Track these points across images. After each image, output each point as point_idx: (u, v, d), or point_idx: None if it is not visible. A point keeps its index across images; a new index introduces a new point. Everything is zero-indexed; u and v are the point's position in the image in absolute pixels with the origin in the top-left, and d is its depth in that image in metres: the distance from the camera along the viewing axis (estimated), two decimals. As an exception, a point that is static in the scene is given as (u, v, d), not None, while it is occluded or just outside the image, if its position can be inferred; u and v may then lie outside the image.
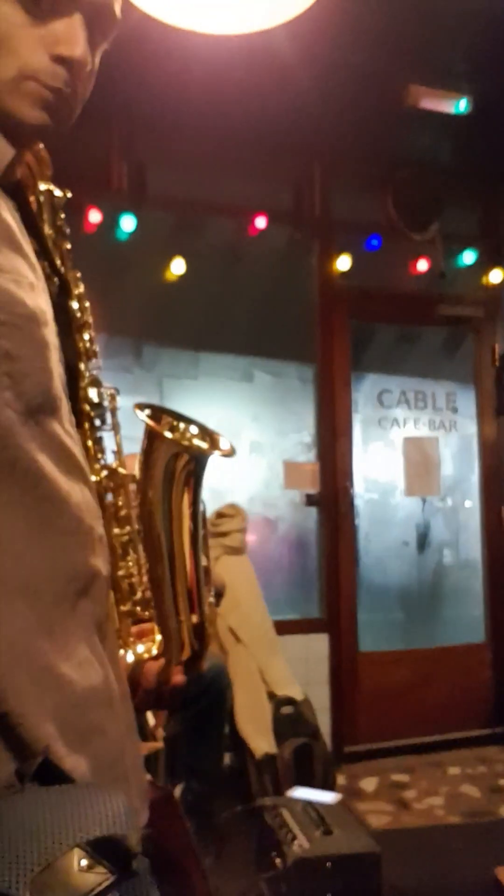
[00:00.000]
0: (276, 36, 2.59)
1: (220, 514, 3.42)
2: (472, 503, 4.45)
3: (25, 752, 0.73)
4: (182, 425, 1.05)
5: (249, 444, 4.03)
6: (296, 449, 4.12)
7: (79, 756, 0.77)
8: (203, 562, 1.03)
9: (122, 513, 1.02)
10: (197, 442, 1.04)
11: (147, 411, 1.01)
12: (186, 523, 0.99)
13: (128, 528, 1.02)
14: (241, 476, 3.92)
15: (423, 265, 4.25)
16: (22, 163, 0.86)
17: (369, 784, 3.58)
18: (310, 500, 4.04)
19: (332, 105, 3.57)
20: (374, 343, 4.42)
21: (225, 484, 3.79)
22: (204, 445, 1.03)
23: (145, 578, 1.01)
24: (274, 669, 3.30)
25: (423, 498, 4.36)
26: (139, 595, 1.02)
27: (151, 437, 0.99)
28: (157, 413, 1.03)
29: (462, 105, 3.45)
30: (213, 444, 1.04)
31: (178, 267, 3.72)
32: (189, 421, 1.05)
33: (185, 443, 1.01)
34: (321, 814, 2.20)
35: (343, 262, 4.11)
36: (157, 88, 3.23)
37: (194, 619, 1.00)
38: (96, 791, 0.71)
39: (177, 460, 0.98)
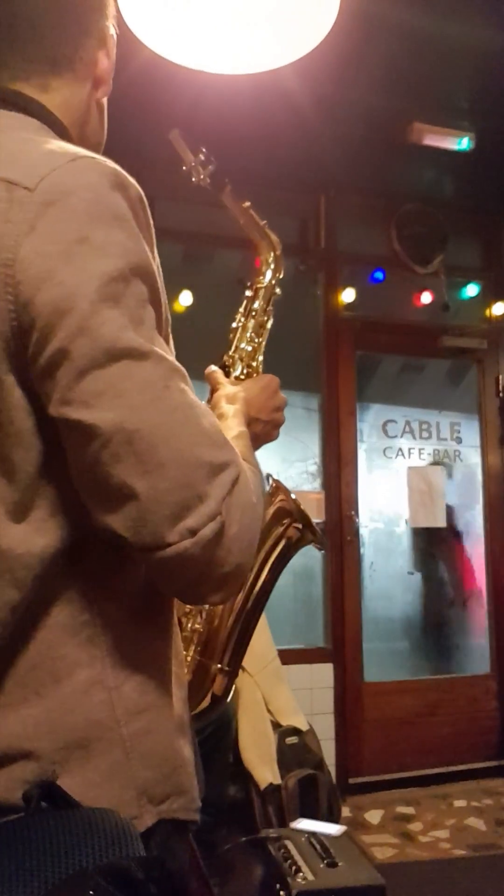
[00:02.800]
0: (283, 75, 2.66)
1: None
2: (475, 533, 4.45)
3: None
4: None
5: (255, 473, 4.06)
6: (301, 478, 4.15)
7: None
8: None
9: None
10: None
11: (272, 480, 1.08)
12: (259, 590, 1.02)
13: None
14: (246, 505, 3.93)
15: (426, 297, 4.30)
16: None
17: (374, 816, 3.55)
18: (315, 529, 4.06)
19: (337, 141, 3.64)
20: (379, 373, 4.47)
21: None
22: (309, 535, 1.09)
23: (199, 620, 1.04)
24: (279, 699, 3.28)
25: (428, 527, 4.37)
26: (186, 632, 1.04)
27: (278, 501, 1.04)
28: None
29: (465, 142, 3.52)
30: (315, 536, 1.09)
31: (185, 299, 3.78)
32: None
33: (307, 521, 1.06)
34: (326, 846, 2.18)
35: (348, 294, 4.17)
36: (166, 125, 3.29)
37: (228, 669, 1.02)
38: (106, 815, 0.72)
39: (285, 533, 1.03)
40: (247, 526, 0.76)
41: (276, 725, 3.22)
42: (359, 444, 4.23)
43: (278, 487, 1.06)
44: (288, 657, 3.58)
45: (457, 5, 2.80)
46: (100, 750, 0.77)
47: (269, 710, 3.24)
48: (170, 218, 3.84)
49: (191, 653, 1.06)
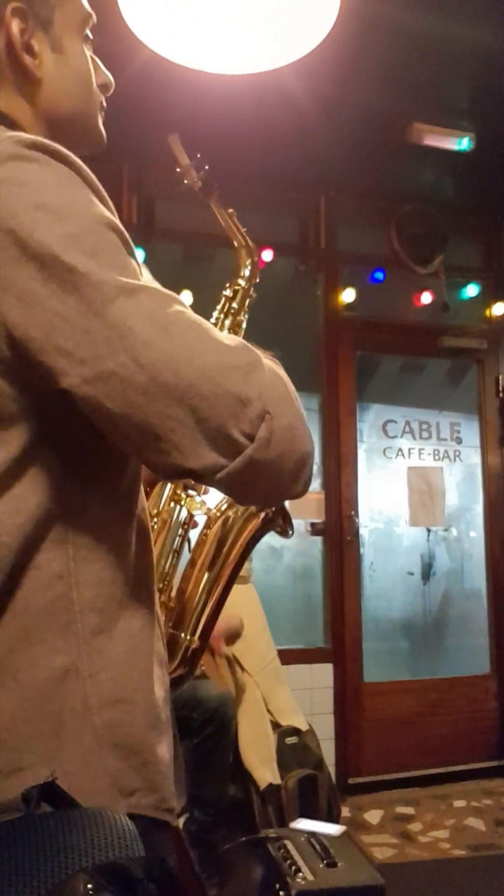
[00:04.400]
0: (284, 75, 2.66)
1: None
2: (476, 533, 4.45)
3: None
4: None
5: (255, 473, 4.05)
6: (301, 478, 4.14)
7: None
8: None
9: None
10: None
11: None
12: (230, 566, 1.05)
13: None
14: (246, 505, 3.94)
15: (426, 298, 4.30)
16: None
17: (374, 816, 3.55)
18: (315, 530, 4.05)
19: (337, 141, 3.64)
20: (379, 374, 4.47)
21: (230, 513, 3.80)
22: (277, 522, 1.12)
23: (173, 593, 1.06)
24: (278, 699, 3.28)
25: (428, 528, 4.37)
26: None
27: None
28: None
29: (465, 142, 3.52)
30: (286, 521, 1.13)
31: (185, 299, 3.77)
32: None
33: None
34: (325, 846, 2.17)
35: (348, 295, 4.17)
36: (167, 125, 3.29)
37: (196, 643, 1.04)
38: (106, 815, 0.72)
39: (253, 517, 1.07)
40: (294, 413, 0.77)
41: (275, 725, 3.22)
42: (359, 444, 4.22)
43: None
44: (288, 657, 3.58)
45: (457, 5, 2.80)
46: (73, 739, 0.77)
47: (268, 710, 3.23)
48: (170, 218, 3.84)
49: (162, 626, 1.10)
